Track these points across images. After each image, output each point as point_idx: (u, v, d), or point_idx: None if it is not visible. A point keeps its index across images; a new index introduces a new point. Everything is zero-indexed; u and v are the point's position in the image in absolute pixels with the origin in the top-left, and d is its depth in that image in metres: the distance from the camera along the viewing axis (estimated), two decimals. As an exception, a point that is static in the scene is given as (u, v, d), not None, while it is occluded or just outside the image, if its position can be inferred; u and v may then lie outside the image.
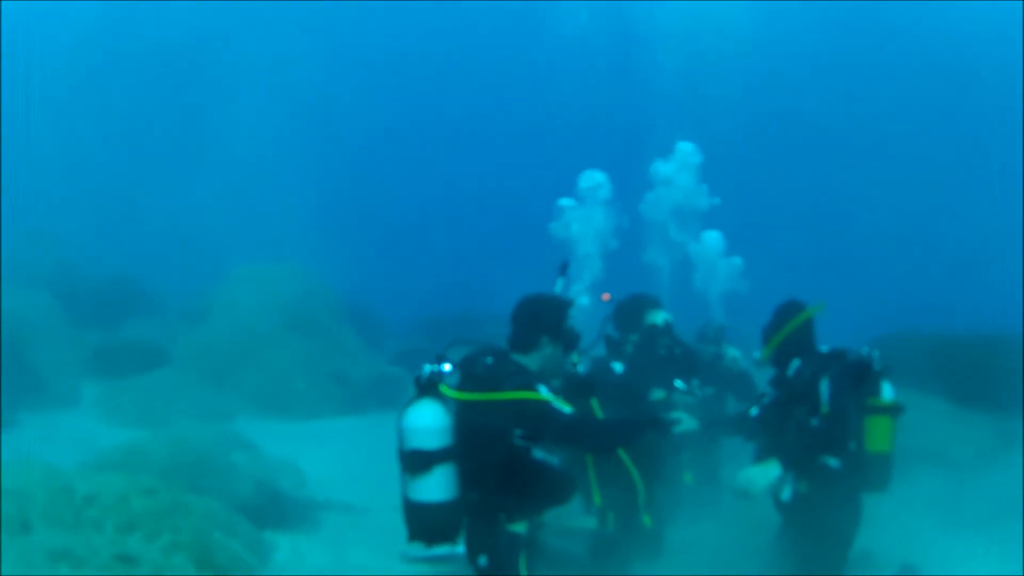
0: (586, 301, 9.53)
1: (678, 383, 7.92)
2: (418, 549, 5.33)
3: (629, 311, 8.07)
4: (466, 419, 5.20)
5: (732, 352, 9.31)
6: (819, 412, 6.34)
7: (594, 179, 10.96)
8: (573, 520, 6.74)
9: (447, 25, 43.74)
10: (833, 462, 6.41)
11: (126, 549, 5.55)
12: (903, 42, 36.65)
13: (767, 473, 6.22)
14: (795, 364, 6.80)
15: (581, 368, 6.36)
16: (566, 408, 5.38)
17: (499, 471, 5.24)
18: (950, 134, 34.21)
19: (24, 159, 28.47)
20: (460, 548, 5.35)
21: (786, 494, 6.44)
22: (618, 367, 7.70)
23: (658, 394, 7.81)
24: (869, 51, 37.01)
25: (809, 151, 34.10)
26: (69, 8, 35.71)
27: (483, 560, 5.29)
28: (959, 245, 30.39)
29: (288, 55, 35.13)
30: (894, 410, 6.49)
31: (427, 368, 5.27)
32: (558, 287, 6.08)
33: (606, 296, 7.97)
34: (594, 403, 6.28)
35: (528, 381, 5.35)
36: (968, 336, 14.87)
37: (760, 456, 6.70)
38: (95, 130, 31.70)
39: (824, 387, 6.36)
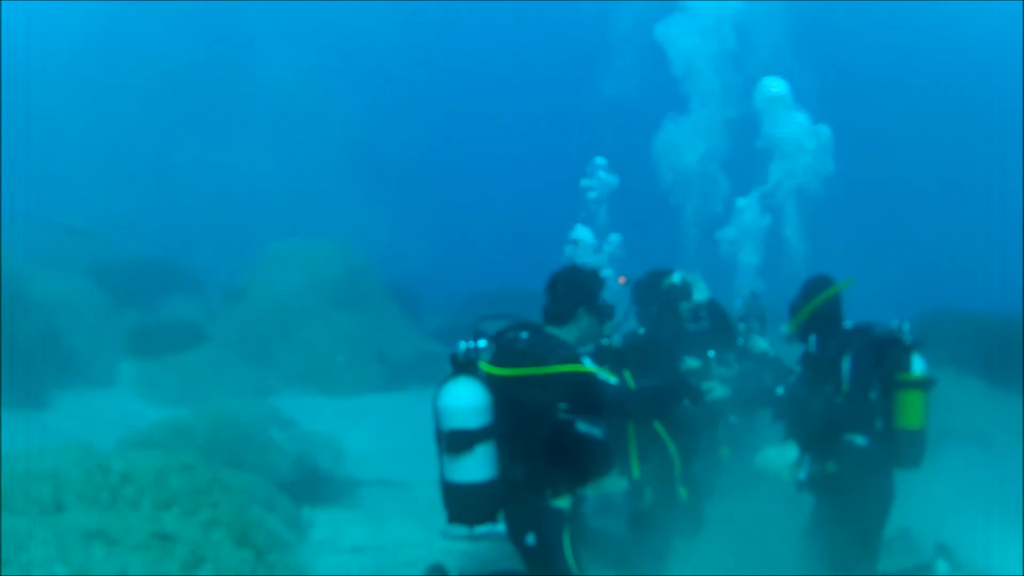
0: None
1: (711, 353, 7.79)
2: (459, 529, 5.24)
3: (647, 284, 7.98)
4: (507, 395, 5.09)
5: (761, 344, 9.11)
6: (841, 390, 6.19)
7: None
8: (607, 483, 6.63)
9: (490, 17, 43.75)
10: (859, 440, 6.25)
11: (163, 527, 5.48)
12: (931, 37, 36.68)
13: (784, 455, 6.13)
14: (813, 339, 6.66)
15: (615, 341, 6.26)
16: (612, 379, 5.28)
17: (545, 446, 5.12)
18: (985, 119, 34.07)
19: (60, 141, 28.64)
20: (500, 526, 5.25)
21: (802, 474, 6.31)
22: (641, 330, 7.60)
23: (692, 363, 7.69)
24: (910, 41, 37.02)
25: (843, 134, 33.90)
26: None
27: (531, 538, 5.17)
28: (995, 225, 30.24)
29: (330, 26, 35.06)
30: (925, 384, 6.30)
31: (463, 345, 5.16)
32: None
33: (622, 280, 7.88)
34: (626, 374, 6.18)
35: (573, 354, 5.24)
36: (1003, 316, 14.70)
37: (788, 436, 6.58)
38: (130, 111, 31.78)
39: (846, 365, 6.20)
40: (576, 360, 5.18)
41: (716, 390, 6.88)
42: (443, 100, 43.82)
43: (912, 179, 33.46)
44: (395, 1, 39.78)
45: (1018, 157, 29.83)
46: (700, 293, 8.04)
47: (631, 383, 6.19)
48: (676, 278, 7.97)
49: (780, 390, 6.96)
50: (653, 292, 7.90)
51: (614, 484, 6.58)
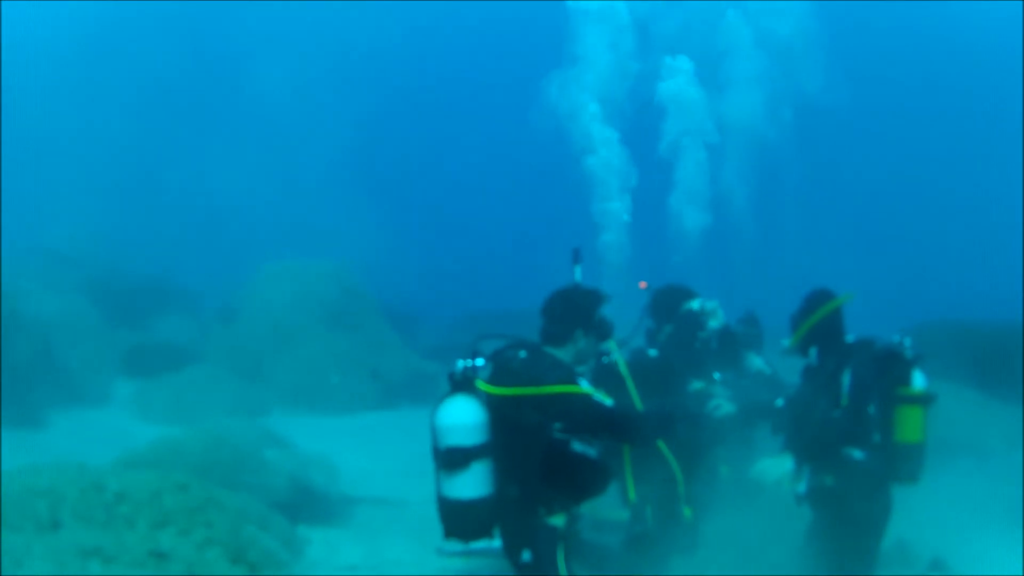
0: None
1: (717, 375, 7.81)
2: (454, 544, 5.28)
3: (665, 301, 7.97)
4: (503, 414, 5.13)
5: (757, 363, 9.13)
6: (840, 404, 6.23)
7: None
8: (608, 512, 6.65)
9: (486, 28, 43.77)
10: (857, 454, 6.28)
11: (158, 545, 5.50)
12: (924, 41, 36.78)
13: (779, 466, 6.16)
14: (813, 351, 6.69)
15: (618, 358, 6.27)
16: (607, 401, 5.30)
17: (540, 465, 5.16)
18: (984, 125, 34.15)
19: (53, 160, 28.58)
20: (496, 542, 5.29)
21: (801, 487, 6.34)
22: (653, 352, 7.61)
23: (697, 385, 7.71)
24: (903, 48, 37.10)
25: (836, 145, 34.01)
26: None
27: (526, 555, 5.20)
28: (988, 235, 30.29)
29: (324, 45, 35.04)
30: (925, 400, 6.34)
31: (460, 363, 5.21)
32: (577, 275, 5.98)
33: (643, 284, 7.87)
34: (633, 392, 6.18)
35: (568, 375, 5.27)
36: (997, 325, 14.70)
37: (785, 448, 6.61)
38: (123, 128, 31.71)
39: (846, 379, 6.24)
40: (572, 381, 5.22)
41: (723, 407, 6.89)
42: (437, 119, 43.84)
43: (909, 186, 33.54)
44: (389, 3, 39.80)
45: (1018, 163, 29.90)
46: (716, 321, 8.06)
47: (637, 400, 6.21)
48: (696, 305, 7.97)
49: (780, 402, 6.97)
50: (668, 312, 7.90)
51: (615, 514, 6.62)
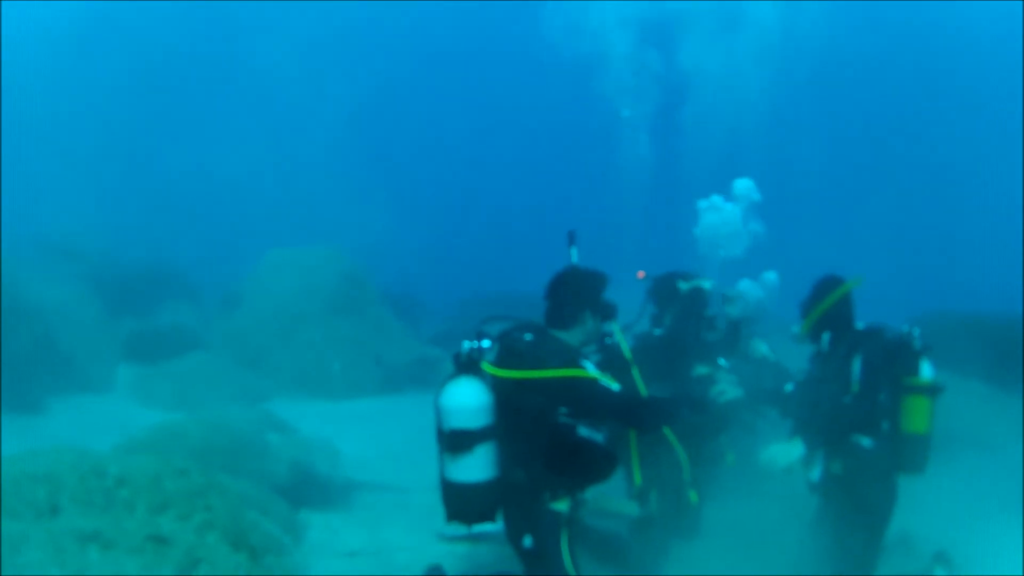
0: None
1: (722, 361, 7.78)
2: (455, 528, 5.24)
3: (665, 286, 7.96)
4: (508, 397, 5.07)
5: (762, 349, 9.11)
6: (850, 391, 6.19)
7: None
8: (615, 503, 6.62)
9: (492, 16, 43.75)
10: (866, 442, 6.25)
11: (158, 530, 5.46)
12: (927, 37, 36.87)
13: (789, 452, 6.11)
14: (826, 337, 6.65)
15: (620, 340, 6.22)
16: (614, 385, 5.23)
17: (545, 449, 5.11)
18: (985, 118, 34.19)
19: (54, 149, 28.53)
20: (497, 526, 5.25)
21: (815, 474, 6.31)
22: (658, 331, 7.61)
23: (701, 370, 7.68)
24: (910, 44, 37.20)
25: (839, 136, 34.02)
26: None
27: (528, 540, 5.16)
28: (995, 226, 30.28)
29: (323, 30, 34.97)
30: (932, 390, 6.29)
31: (466, 345, 5.15)
32: (574, 256, 5.93)
33: (641, 274, 7.86)
34: (636, 376, 6.14)
35: (574, 358, 5.21)
36: (1004, 317, 14.60)
37: (795, 433, 6.57)
38: (124, 116, 31.65)
39: (856, 365, 6.21)
40: (577, 364, 5.16)
41: (728, 392, 6.86)
42: (438, 103, 43.81)
43: (911, 178, 33.55)
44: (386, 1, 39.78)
45: (1018, 156, 29.89)
46: (735, 308, 8.07)
47: (640, 385, 6.17)
48: (706, 284, 7.97)
49: (789, 387, 6.95)
50: (671, 294, 7.89)
51: (624, 507, 6.59)
